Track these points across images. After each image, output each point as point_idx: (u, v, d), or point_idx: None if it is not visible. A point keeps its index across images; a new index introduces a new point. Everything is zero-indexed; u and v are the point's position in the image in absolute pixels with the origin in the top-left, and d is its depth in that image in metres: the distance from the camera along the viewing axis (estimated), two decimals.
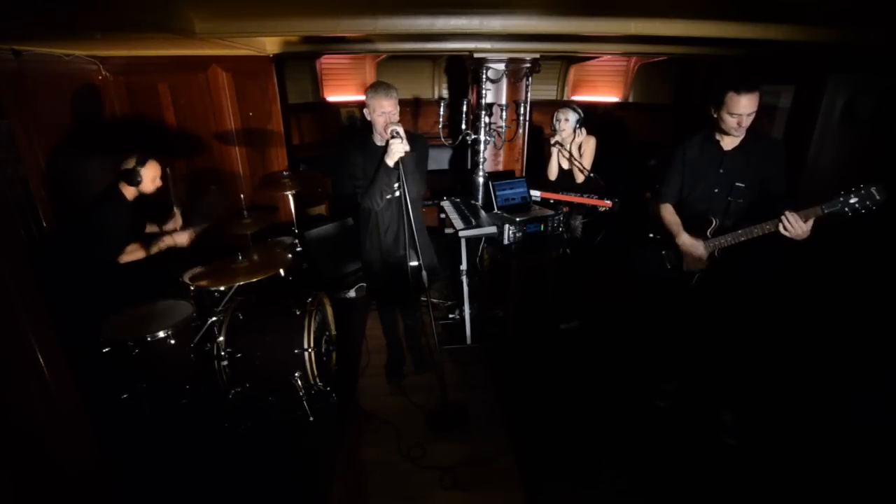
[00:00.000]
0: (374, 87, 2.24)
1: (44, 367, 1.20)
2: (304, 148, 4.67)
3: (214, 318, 2.45)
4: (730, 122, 2.00)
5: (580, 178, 3.34)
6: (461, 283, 3.27)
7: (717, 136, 2.15)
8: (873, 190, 1.79)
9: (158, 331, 2.27)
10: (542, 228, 3.07)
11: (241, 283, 2.41)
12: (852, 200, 1.81)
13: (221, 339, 2.43)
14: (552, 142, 3.43)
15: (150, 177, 2.66)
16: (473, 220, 3.07)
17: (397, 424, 2.58)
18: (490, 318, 3.50)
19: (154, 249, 2.69)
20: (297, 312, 2.52)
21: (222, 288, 2.58)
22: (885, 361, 2.73)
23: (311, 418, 2.52)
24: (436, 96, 5.11)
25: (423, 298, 2.72)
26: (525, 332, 3.30)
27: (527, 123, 3.60)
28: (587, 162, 3.41)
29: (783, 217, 1.87)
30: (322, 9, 2.35)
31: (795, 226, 1.85)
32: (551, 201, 3.32)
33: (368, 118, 2.31)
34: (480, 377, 3.00)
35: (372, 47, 3.89)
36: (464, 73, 4.06)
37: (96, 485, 1.43)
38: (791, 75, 3.50)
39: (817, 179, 3.42)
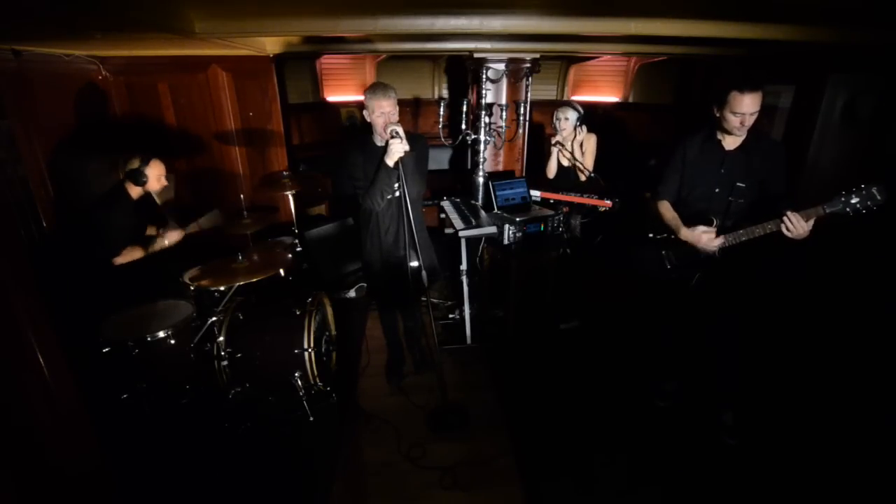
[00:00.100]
0: (373, 88, 2.25)
1: (44, 367, 1.20)
2: (304, 148, 4.67)
3: (214, 318, 2.45)
4: (733, 121, 2.00)
5: (583, 176, 3.34)
6: (461, 283, 3.27)
7: (719, 136, 2.15)
8: (874, 190, 1.79)
9: (158, 331, 2.27)
10: (542, 228, 3.07)
11: (241, 283, 2.41)
12: (853, 200, 1.81)
13: (221, 339, 2.43)
14: (553, 141, 3.43)
15: (156, 175, 2.67)
16: (473, 220, 3.07)
17: (397, 424, 2.58)
18: (490, 318, 3.50)
19: (149, 251, 2.70)
20: (297, 312, 2.52)
21: (222, 288, 2.58)
22: (885, 361, 2.72)
23: (311, 418, 2.52)
24: (436, 96, 5.11)
25: (423, 299, 2.72)
26: (525, 332, 3.30)
27: (527, 123, 3.60)
28: (589, 159, 3.41)
29: (785, 217, 1.87)
30: (322, 9, 2.35)
31: (797, 225, 1.85)
32: (551, 201, 3.32)
33: (368, 119, 2.31)
34: (480, 377, 3.00)
35: (372, 47, 3.90)
36: (464, 73, 4.06)
37: (96, 485, 1.43)
38: (791, 75, 3.50)
39: (817, 179, 3.42)
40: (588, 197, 3.19)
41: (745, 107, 1.94)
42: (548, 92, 5.14)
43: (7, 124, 2.60)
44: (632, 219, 3.09)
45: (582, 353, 3.18)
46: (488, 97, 3.50)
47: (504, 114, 3.51)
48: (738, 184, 2.10)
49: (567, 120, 3.32)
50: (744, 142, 2.10)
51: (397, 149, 2.14)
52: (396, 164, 2.18)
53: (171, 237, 2.79)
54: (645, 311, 3.31)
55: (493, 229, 2.99)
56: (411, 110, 5.07)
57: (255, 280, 2.40)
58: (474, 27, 2.43)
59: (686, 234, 2.20)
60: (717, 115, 2.07)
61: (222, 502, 2.15)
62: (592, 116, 3.51)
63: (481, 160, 3.61)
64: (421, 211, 2.66)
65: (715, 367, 2.51)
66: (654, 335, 2.89)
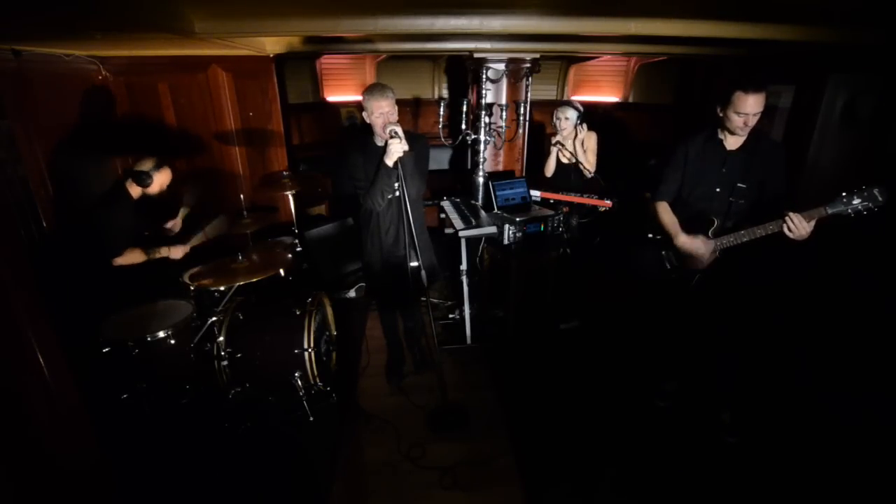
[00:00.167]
0: (370, 89, 2.25)
1: (44, 367, 1.20)
2: (304, 148, 4.67)
3: (214, 318, 2.45)
4: (736, 121, 2.00)
5: (588, 174, 3.35)
6: (461, 283, 3.27)
7: (721, 136, 2.15)
8: (876, 191, 1.79)
9: (158, 331, 2.27)
10: (542, 228, 3.07)
11: (241, 283, 2.41)
12: (855, 201, 1.82)
13: (221, 339, 2.43)
14: (553, 141, 3.44)
15: (160, 182, 2.70)
16: (473, 220, 3.07)
17: (397, 424, 2.58)
18: (490, 318, 3.50)
19: (150, 257, 2.70)
20: (297, 312, 2.52)
21: (222, 288, 2.59)
22: (885, 361, 2.72)
23: (311, 418, 2.52)
24: (436, 96, 5.11)
25: (422, 299, 2.72)
26: (525, 332, 3.30)
27: (527, 123, 3.60)
28: (591, 157, 3.42)
29: (787, 217, 1.87)
30: (322, 9, 2.35)
31: (799, 226, 1.85)
32: (551, 201, 3.32)
33: (368, 120, 2.31)
34: (480, 377, 3.00)
35: (372, 47, 3.90)
36: (464, 73, 4.06)
37: (96, 485, 1.43)
38: (791, 75, 3.50)
39: (817, 179, 3.42)
40: (588, 197, 3.19)
41: (749, 107, 1.94)
42: (548, 92, 5.14)
43: (7, 124, 2.60)
44: (631, 219, 3.09)
45: (582, 353, 3.18)
46: (488, 97, 3.50)
47: (504, 114, 3.51)
48: (739, 184, 2.11)
49: (567, 120, 3.33)
50: (745, 142, 2.11)
51: (396, 149, 2.14)
52: (396, 164, 2.18)
53: (174, 252, 2.79)
54: (645, 312, 3.31)
55: (493, 229, 2.99)
56: (411, 110, 5.07)
57: (255, 280, 2.41)
58: (474, 27, 2.43)
59: (683, 241, 2.20)
60: (721, 114, 2.07)
61: (222, 502, 2.15)
62: (592, 116, 3.51)
63: (481, 160, 3.60)
64: (422, 211, 2.66)
65: (714, 366, 2.51)
66: (653, 335, 2.89)
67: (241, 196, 3.15)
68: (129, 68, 3.50)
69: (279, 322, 2.53)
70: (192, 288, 2.53)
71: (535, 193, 3.36)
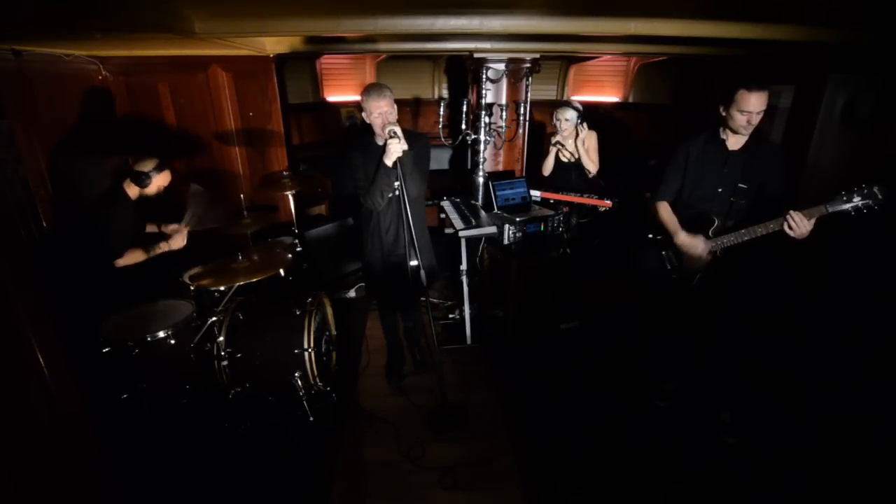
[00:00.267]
0: (368, 90, 2.25)
1: (44, 367, 1.20)
2: (304, 148, 4.67)
3: (214, 318, 2.45)
4: (739, 119, 2.00)
5: (593, 171, 3.37)
6: (461, 283, 3.27)
7: (723, 136, 2.15)
8: (876, 189, 1.80)
9: (158, 331, 2.27)
10: (542, 228, 3.07)
11: (241, 283, 2.41)
12: (855, 200, 1.83)
13: (221, 339, 2.43)
14: (553, 141, 3.44)
15: (158, 184, 2.69)
16: (473, 220, 3.07)
17: (397, 424, 2.58)
18: (490, 318, 3.50)
19: (151, 254, 2.69)
20: (297, 312, 2.52)
21: (222, 288, 2.58)
22: (885, 360, 2.72)
23: (311, 418, 2.52)
24: (436, 96, 5.11)
25: (422, 299, 2.72)
26: (525, 332, 3.30)
27: (527, 123, 3.60)
28: (594, 156, 3.42)
29: (788, 216, 1.88)
30: (322, 9, 2.35)
31: (800, 224, 1.86)
32: (551, 201, 3.32)
33: (367, 121, 2.31)
34: (480, 377, 3.00)
35: (372, 47, 3.90)
36: (464, 73, 4.06)
37: (96, 485, 1.43)
38: (791, 75, 3.50)
39: (817, 179, 3.42)
40: (588, 197, 3.19)
41: (753, 105, 1.95)
42: (548, 92, 5.14)
43: (7, 124, 2.60)
44: (631, 219, 3.10)
45: (582, 353, 3.18)
46: (488, 97, 3.50)
47: (504, 114, 3.51)
48: (740, 185, 2.11)
49: (567, 121, 3.33)
50: (746, 143, 2.11)
51: (395, 149, 2.15)
52: (395, 163, 2.18)
53: (175, 242, 2.78)
54: (645, 312, 3.31)
55: (493, 229, 2.99)
56: (411, 110, 5.07)
57: (255, 280, 2.40)
58: (474, 27, 2.43)
59: (683, 239, 2.20)
60: (724, 113, 2.07)
61: (222, 502, 2.15)
62: (592, 116, 3.51)
63: (481, 160, 3.61)
64: (423, 210, 2.65)
65: (714, 366, 2.51)
66: (653, 335, 2.89)
67: (241, 196, 3.15)
68: (129, 68, 3.50)
69: (279, 322, 2.53)
70: (192, 288, 2.53)
71: (535, 193, 3.36)
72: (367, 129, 2.41)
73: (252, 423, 2.50)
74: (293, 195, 3.40)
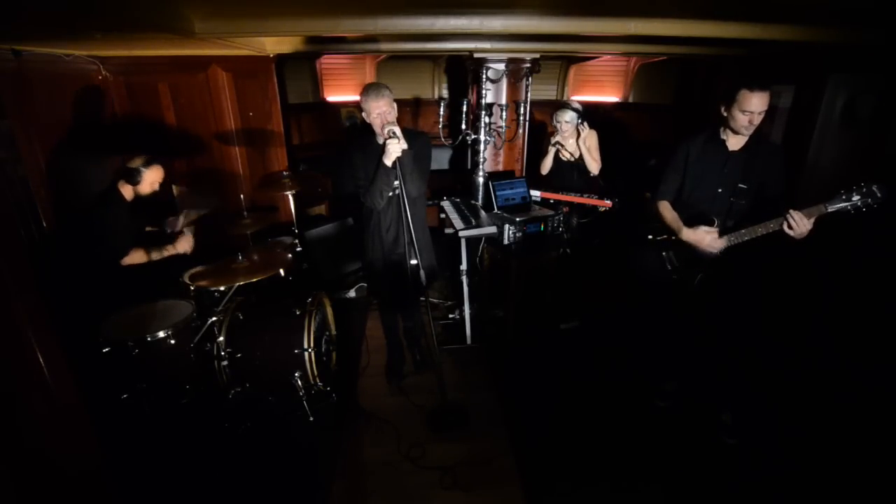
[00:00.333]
0: (366, 91, 2.25)
1: (44, 367, 1.20)
2: (304, 148, 4.67)
3: (214, 318, 2.45)
4: (741, 119, 2.00)
5: (595, 170, 3.36)
6: (461, 283, 3.27)
7: (723, 136, 2.15)
8: (875, 188, 1.81)
9: (158, 331, 2.26)
10: (542, 228, 3.07)
11: (241, 283, 2.41)
12: (854, 198, 1.83)
13: (221, 339, 2.43)
14: (553, 141, 3.44)
15: (150, 180, 2.65)
16: (473, 220, 3.07)
17: (397, 424, 2.58)
18: (490, 318, 3.50)
19: (157, 256, 2.69)
20: (297, 312, 2.52)
21: (222, 288, 2.58)
22: (885, 360, 2.73)
23: (311, 418, 2.52)
24: (436, 96, 5.11)
25: (422, 299, 2.73)
26: (525, 332, 3.30)
27: (527, 123, 3.60)
28: (595, 154, 3.42)
29: (788, 215, 1.88)
30: (322, 9, 2.35)
31: (800, 223, 1.86)
32: (551, 201, 3.32)
33: (368, 121, 2.31)
34: (480, 377, 3.00)
35: (372, 47, 3.90)
36: (464, 73, 4.06)
37: (96, 485, 1.43)
38: (791, 75, 3.50)
39: (817, 179, 3.42)
40: (588, 197, 3.19)
41: (755, 105, 1.95)
42: (548, 92, 5.14)
43: (7, 124, 2.60)
44: (631, 219, 3.10)
45: (582, 353, 3.18)
46: (488, 97, 3.50)
47: (504, 114, 3.51)
48: (740, 185, 2.11)
49: (567, 123, 3.33)
50: (746, 143, 2.11)
51: (394, 149, 2.15)
52: (394, 163, 2.18)
53: (182, 245, 2.77)
54: (645, 312, 3.31)
55: (493, 229, 2.99)
56: (411, 110, 5.07)
57: (255, 280, 2.40)
58: (474, 27, 2.43)
59: (688, 234, 2.19)
60: (725, 113, 2.06)
61: (222, 502, 2.15)
62: (593, 116, 3.52)
63: (481, 160, 3.61)
64: (423, 210, 2.64)
65: (715, 367, 2.51)
66: (654, 335, 2.89)
67: (241, 196, 3.15)
68: (129, 68, 3.50)
69: (279, 322, 2.53)
70: (192, 288, 2.53)
71: (535, 193, 3.36)
72: (368, 129, 2.41)
73: (252, 423, 2.50)
74: (293, 195, 3.40)
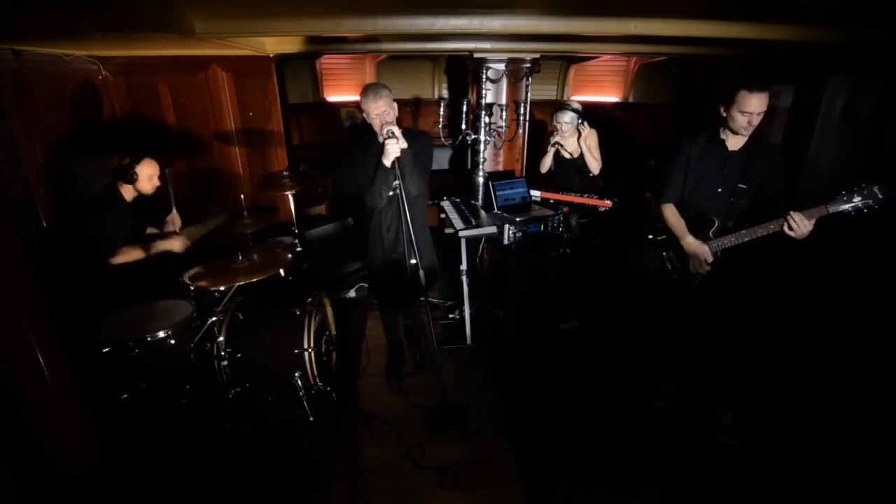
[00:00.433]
0: (365, 91, 2.25)
1: (44, 367, 1.20)
2: (304, 148, 4.67)
3: (214, 318, 2.45)
4: (740, 120, 2.00)
5: (596, 169, 3.36)
6: (461, 283, 3.27)
7: (723, 136, 2.15)
8: (876, 189, 1.80)
9: (158, 331, 2.26)
10: (542, 228, 3.07)
11: (241, 283, 2.41)
12: (855, 199, 1.83)
13: (221, 339, 2.43)
14: (552, 141, 3.44)
15: (146, 174, 2.62)
16: (473, 220, 3.07)
17: (397, 424, 2.58)
18: (490, 318, 3.50)
19: (149, 252, 2.67)
20: (297, 312, 2.52)
21: (222, 288, 2.58)
22: (885, 361, 2.72)
23: (311, 418, 2.52)
24: (436, 96, 5.12)
25: (422, 299, 2.73)
26: (525, 332, 3.30)
27: (527, 123, 3.61)
28: (596, 153, 3.42)
29: (788, 216, 1.87)
30: (322, 9, 2.35)
31: (801, 224, 1.86)
32: (551, 201, 3.32)
33: (368, 121, 2.31)
34: (480, 377, 3.00)
35: (372, 47, 3.90)
36: (464, 73, 4.06)
37: (96, 485, 1.43)
38: (791, 75, 3.50)
39: (817, 179, 3.42)
40: (588, 197, 3.19)
41: (754, 106, 1.95)
42: (548, 92, 5.14)
43: (7, 124, 2.60)
44: (631, 219, 3.10)
45: (582, 353, 3.18)
46: (488, 97, 3.50)
47: (504, 114, 3.51)
48: (740, 185, 2.11)
49: (567, 123, 3.33)
50: (746, 143, 2.11)
51: (393, 149, 2.15)
52: (393, 163, 2.18)
53: (173, 244, 2.74)
54: (645, 312, 3.31)
55: (493, 229, 2.99)
56: (411, 110, 5.07)
57: (255, 280, 2.40)
58: (474, 27, 2.43)
59: (690, 242, 2.19)
60: (724, 114, 2.06)
61: (222, 502, 2.15)
62: (592, 116, 3.52)
63: (481, 160, 3.61)
64: (423, 209, 2.64)
65: (715, 367, 2.51)
66: (654, 335, 2.89)
67: (241, 196, 3.15)
68: (129, 68, 3.50)
69: (279, 322, 2.53)
70: (192, 288, 2.52)
71: (535, 193, 3.36)
72: (369, 129, 2.41)
73: (252, 423, 2.50)
74: (293, 195, 3.40)
